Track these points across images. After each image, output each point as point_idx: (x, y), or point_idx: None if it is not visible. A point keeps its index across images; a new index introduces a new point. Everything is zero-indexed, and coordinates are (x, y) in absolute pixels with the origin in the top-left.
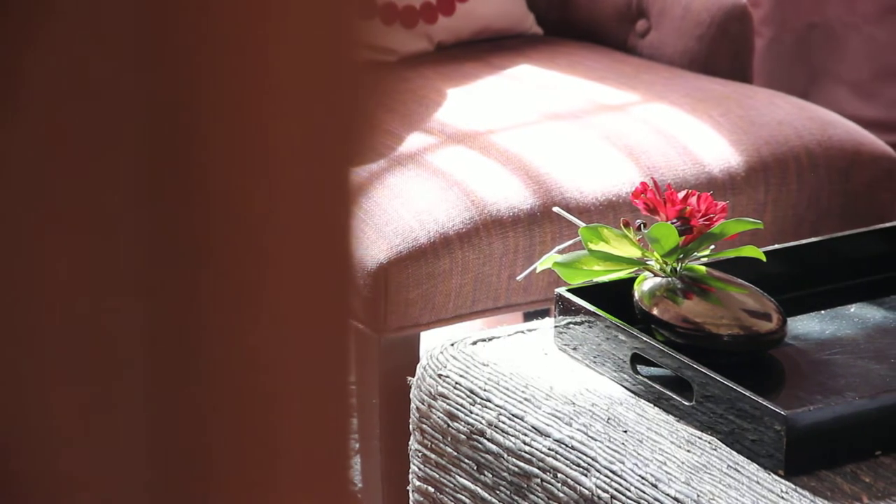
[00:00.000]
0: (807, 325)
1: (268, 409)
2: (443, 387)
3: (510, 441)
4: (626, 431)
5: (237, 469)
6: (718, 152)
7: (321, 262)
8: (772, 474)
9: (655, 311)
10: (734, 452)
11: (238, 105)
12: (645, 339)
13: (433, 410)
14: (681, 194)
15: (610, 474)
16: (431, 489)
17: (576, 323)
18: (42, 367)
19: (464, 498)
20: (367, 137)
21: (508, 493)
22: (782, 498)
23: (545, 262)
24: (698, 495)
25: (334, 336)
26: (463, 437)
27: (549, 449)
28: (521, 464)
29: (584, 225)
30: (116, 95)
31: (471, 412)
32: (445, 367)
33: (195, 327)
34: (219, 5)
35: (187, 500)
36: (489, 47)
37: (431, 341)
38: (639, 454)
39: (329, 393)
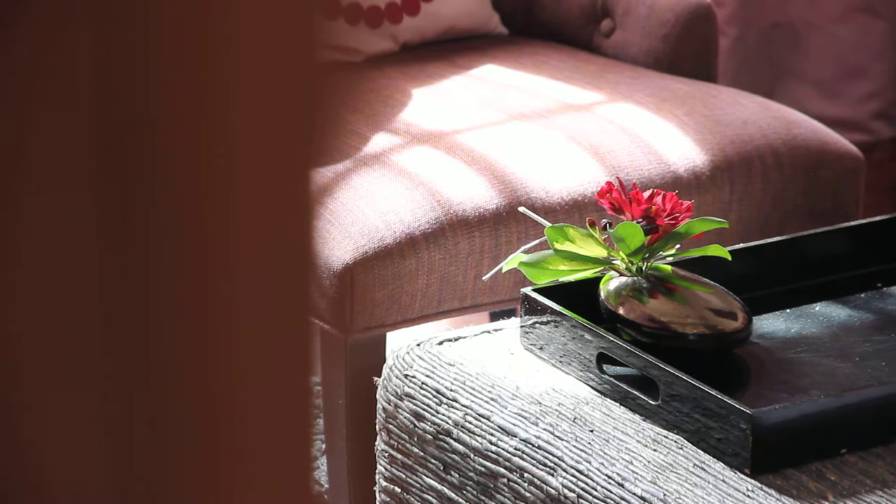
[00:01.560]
0: (772, 324)
1: (227, 409)
2: (409, 387)
3: (476, 441)
4: (592, 431)
5: (197, 469)
6: (683, 151)
7: (281, 260)
8: (738, 473)
9: (621, 311)
10: (700, 451)
11: (198, 105)
12: (611, 338)
13: (399, 411)
14: (646, 194)
15: (576, 474)
16: (398, 489)
17: (542, 323)
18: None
19: (430, 498)
20: (330, 138)
21: (475, 492)
22: (748, 496)
23: (511, 262)
24: (664, 494)
25: (295, 335)
26: (429, 437)
27: (515, 449)
28: (488, 463)
29: (549, 225)
30: (73, 91)
31: (437, 412)
32: (412, 367)
33: (152, 328)
34: (178, 6)
35: (147, 501)
36: (454, 47)
37: (398, 341)
38: (605, 453)
39: (290, 392)
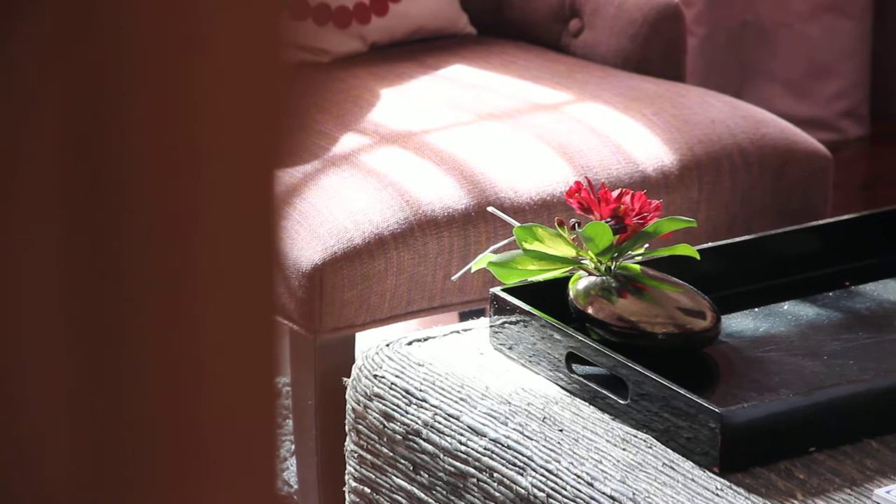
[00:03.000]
0: (741, 323)
1: (194, 410)
2: (378, 387)
3: (446, 441)
4: (561, 430)
5: (164, 470)
6: (652, 151)
7: (247, 260)
8: (707, 472)
9: (590, 310)
10: (669, 450)
11: (163, 103)
12: (580, 338)
13: (369, 411)
14: (615, 193)
15: (546, 473)
16: (367, 490)
17: (511, 322)
18: None
19: (400, 498)
20: (297, 138)
21: (444, 492)
22: (717, 495)
23: (480, 262)
24: (634, 493)
25: (261, 335)
26: (399, 437)
27: (484, 448)
28: (457, 463)
29: (518, 224)
30: (41, 88)
31: (406, 412)
32: (381, 367)
33: (117, 326)
34: (144, 6)
35: (110, 500)
36: (423, 47)
37: (367, 342)
38: (574, 453)
39: (256, 393)
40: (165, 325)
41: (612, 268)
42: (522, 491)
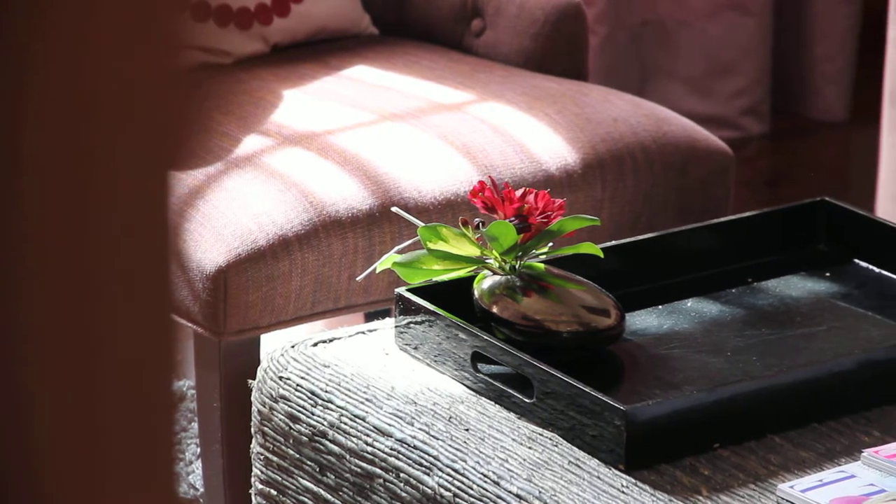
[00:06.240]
0: (645, 321)
1: (86, 412)
2: (284, 389)
3: (352, 442)
4: (467, 430)
5: (56, 473)
6: (555, 150)
7: (141, 261)
8: (612, 469)
9: (495, 310)
10: (575, 448)
11: (56, 104)
12: (485, 337)
13: (275, 413)
14: (518, 192)
15: (452, 473)
16: (274, 492)
17: (416, 322)
18: None
19: (306, 500)
20: (196, 139)
21: (351, 493)
22: (623, 492)
23: (385, 263)
24: (540, 492)
25: (157, 336)
26: (305, 438)
27: (391, 449)
28: (364, 464)
29: (422, 224)
30: None
31: (312, 414)
32: (286, 369)
33: (9, 328)
34: (35, 7)
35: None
36: (325, 48)
37: (272, 344)
38: (481, 452)
39: (152, 395)
40: (58, 327)
41: (517, 267)
42: (429, 491)
